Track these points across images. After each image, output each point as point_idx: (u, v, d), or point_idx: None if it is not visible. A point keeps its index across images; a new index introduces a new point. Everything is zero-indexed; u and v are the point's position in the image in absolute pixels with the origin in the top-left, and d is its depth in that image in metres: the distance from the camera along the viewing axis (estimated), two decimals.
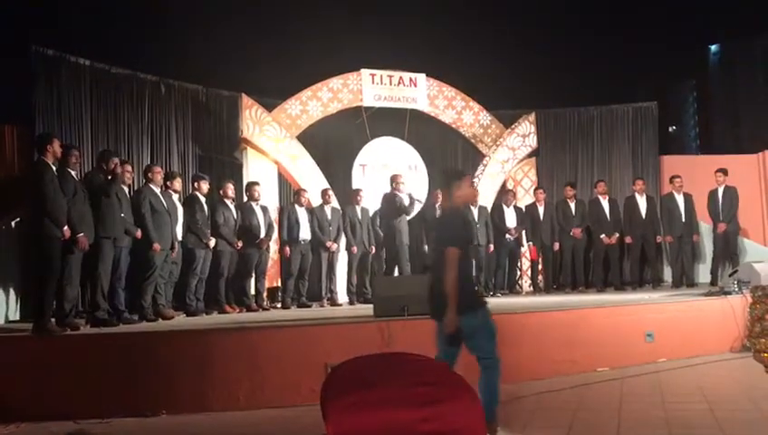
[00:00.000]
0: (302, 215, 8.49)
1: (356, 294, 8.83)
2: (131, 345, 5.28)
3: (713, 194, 9.27)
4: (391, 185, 8.95)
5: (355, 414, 2.55)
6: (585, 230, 9.63)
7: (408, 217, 8.99)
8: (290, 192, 9.87)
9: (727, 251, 9.14)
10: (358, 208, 8.92)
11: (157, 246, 6.72)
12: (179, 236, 7.28)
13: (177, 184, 7.51)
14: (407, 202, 8.78)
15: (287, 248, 8.33)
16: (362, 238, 8.84)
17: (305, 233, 8.42)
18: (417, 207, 9.16)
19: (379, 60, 10.31)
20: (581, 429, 4.15)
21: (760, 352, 6.09)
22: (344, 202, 9.27)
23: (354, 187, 9.67)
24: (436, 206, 9.26)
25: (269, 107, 9.65)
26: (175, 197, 7.40)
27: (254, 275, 8.16)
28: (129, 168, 6.89)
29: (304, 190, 8.95)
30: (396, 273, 8.76)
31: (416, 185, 10.20)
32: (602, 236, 9.45)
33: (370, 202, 9.27)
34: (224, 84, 9.86)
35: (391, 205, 8.85)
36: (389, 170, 9.57)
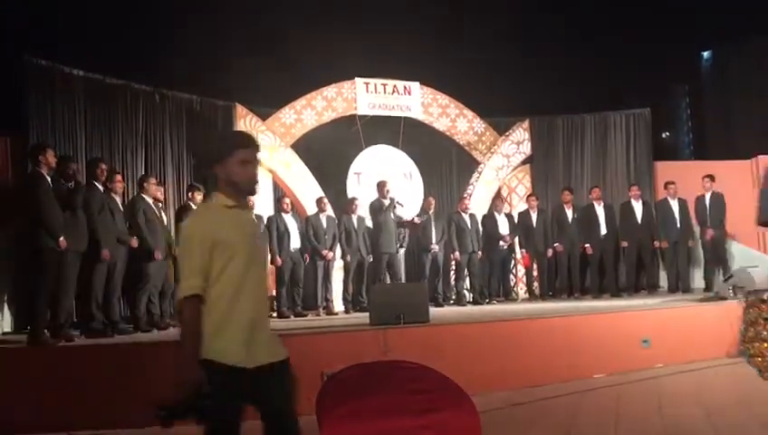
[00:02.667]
0: (291, 223, 8.41)
1: (352, 303, 8.79)
2: (126, 355, 5.25)
3: (700, 200, 9.29)
4: (377, 191, 8.98)
5: (351, 423, 2.53)
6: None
7: (382, 217, 8.82)
8: None
9: (716, 256, 9.17)
10: (354, 217, 8.90)
11: (158, 253, 6.74)
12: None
13: (159, 193, 7.49)
14: (386, 205, 8.79)
15: (278, 258, 8.28)
16: (358, 247, 8.82)
17: (295, 241, 8.38)
18: (399, 211, 9.11)
19: (373, 68, 10.32)
20: None
21: (754, 357, 6.11)
22: (339, 210, 9.26)
23: (349, 195, 9.66)
24: (429, 212, 9.27)
25: (263, 116, 9.65)
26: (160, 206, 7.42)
27: None
28: (119, 177, 6.88)
29: (284, 196, 8.91)
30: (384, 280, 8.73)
31: (411, 193, 10.21)
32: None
33: (366, 210, 9.25)
34: (218, 94, 9.82)
35: (373, 212, 8.88)
36: (384, 179, 9.56)
